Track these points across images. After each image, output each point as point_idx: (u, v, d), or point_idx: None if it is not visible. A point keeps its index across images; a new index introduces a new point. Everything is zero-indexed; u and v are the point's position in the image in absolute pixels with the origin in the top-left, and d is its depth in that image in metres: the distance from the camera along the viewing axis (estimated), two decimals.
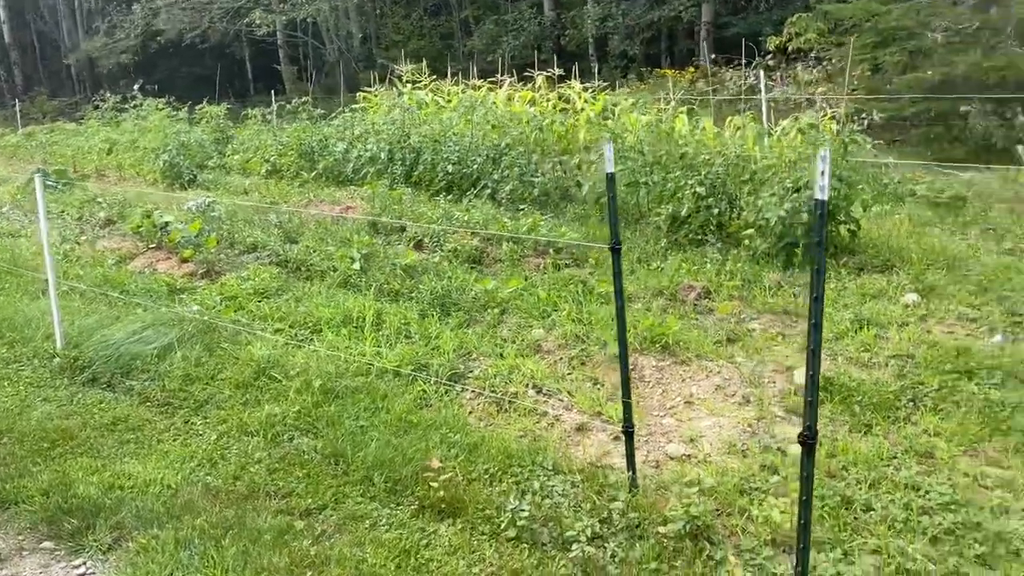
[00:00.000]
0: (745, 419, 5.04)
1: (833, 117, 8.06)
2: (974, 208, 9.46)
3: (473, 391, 5.42)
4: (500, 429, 4.98)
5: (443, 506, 4.08)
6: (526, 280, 7.31)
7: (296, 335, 6.36)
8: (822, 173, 2.63)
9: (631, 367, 5.85)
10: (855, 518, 3.93)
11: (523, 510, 3.85)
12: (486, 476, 4.36)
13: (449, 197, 10.81)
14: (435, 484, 4.12)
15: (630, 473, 4.13)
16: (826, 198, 2.67)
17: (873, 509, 4.00)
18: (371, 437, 4.72)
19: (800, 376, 5.50)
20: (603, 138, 10.15)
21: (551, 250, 8.11)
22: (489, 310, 6.78)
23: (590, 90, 14.21)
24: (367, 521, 4.04)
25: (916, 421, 4.89)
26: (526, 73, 15.31)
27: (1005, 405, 4.95)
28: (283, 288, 7.48)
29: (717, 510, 4.02)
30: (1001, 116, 11.13)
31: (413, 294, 7.20)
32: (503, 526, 3.87)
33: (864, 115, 7.66)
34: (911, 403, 5.08)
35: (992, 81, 10.86)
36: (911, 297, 6.69)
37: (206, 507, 4.18)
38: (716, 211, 8.03)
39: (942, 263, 7.38)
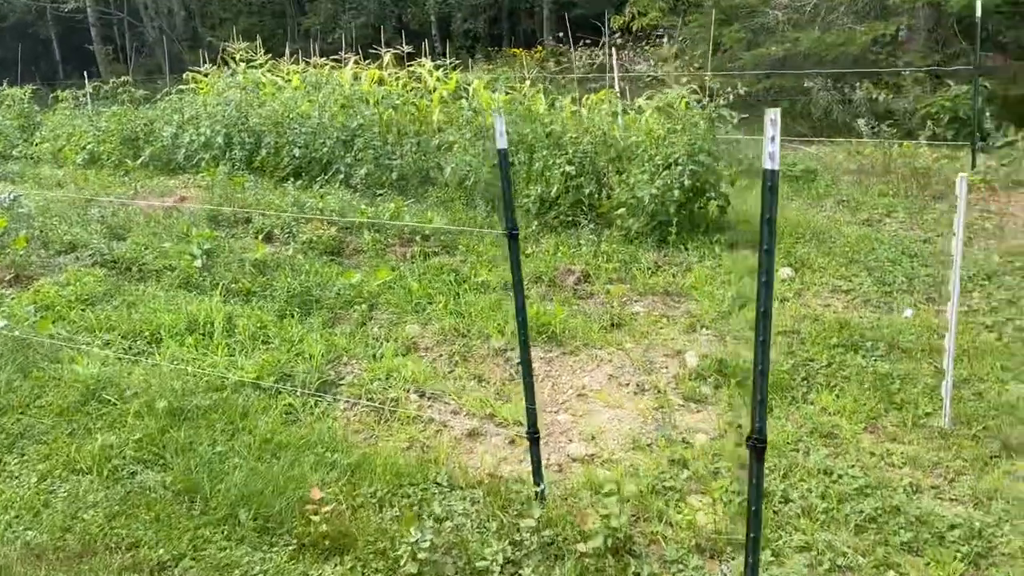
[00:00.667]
0: (644, 410, 4.74)
1: (696, 92, 7.94)
2: (825, 180, 9.72)
3: (347, 400, 4.82)
4: (383, 442, 4.42)
5: (327, 543, 3.48)
6: (394, 271, 6.73)
7: (131, 348, 5.49)
8: (772, 137, 2.27)
9: (517, 361, 5.44)
10: (776, 512, 3.70)
11: (424, 540, 3.33)
12: (374, 501, 3.80)
13: (298, 183, 9.97)
14: (316, 518, 3.52)
15: (539, 487, 3.70)
16: (777, 166, 2.32)
17: (791, 500, 3.78)
18: (232, 465, 4.04)
19: (692, 359, 5.28)
20: (463, 115, 9.67)
21: (418, 238, 7.55)
22: (356, 306, 6.16)
23: (441, 68, 13.63)
24: (236, 571, 3.39)
25: (812, 400, 4.76)
26: (372, 50, 14.52)
27: (894, 377, 4.92)
28: (111, 292, 6.51)
29: (634, 515, 3.67)
30: (840, 91, 11.61)
31: (267, 293, 6.45)
32: (402, 562, 3.33)
33: (729, 90, 7.60)
34: (805, 381, 4.97)
35: (831, 57, 11.30)
36: (786, 272, 6.67)
37: (27, 573, 3.38)
38: (587, 191, 7.74)
39: (809, 237, 7.45)
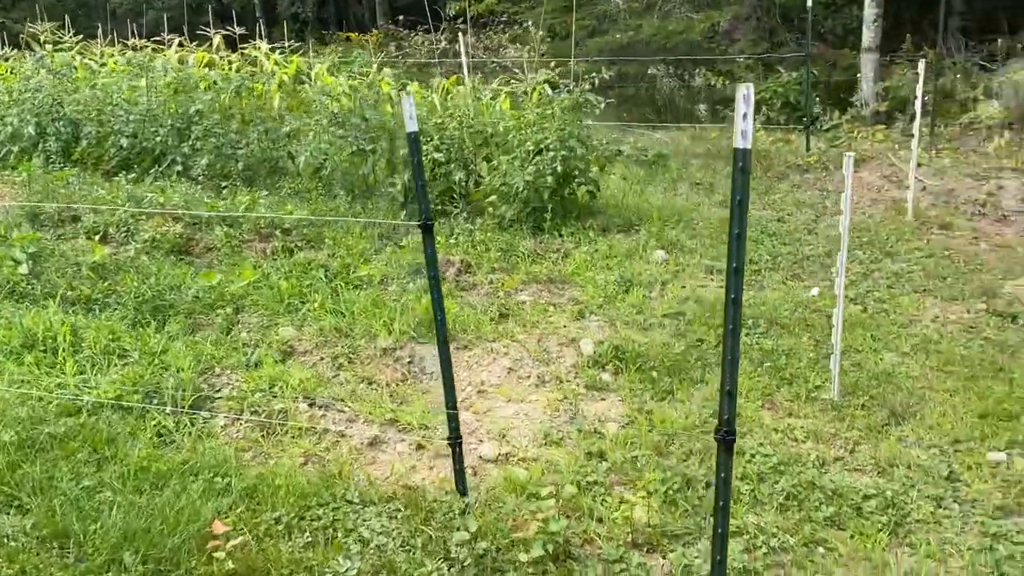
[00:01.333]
0: (549, 402, 4.61)
1: (555, 78, 7.88)
2: (676, 165, 10.03)
3: (228, 416, 4.35)
4: (276, 460, 4.01)
5: None
6: (257, 269, 6.20)
7: None
8: (745, 114, 2.16)
9: (408, 360, 5.16)
10: (700, 498, 3.67)
11: (351, 568, 3.01)
12: (280, 528, 3.42)
13: (129, 176, 9.03)
14: (221, 554, 3.10)
15: (466, 499, 3.46)
16: (749, 144, 2.21)
17: (711, 484, 3.77)
18: (106, 501, 3.50)
19: (587, 346, 5.21)
20: (317, 101, 9.11)
21: (277, 232, 7.01)
22: (219, 310, 5.61)
23: (279, 52, 12.88)
24: None
25: (709, 380, 4.81)
26: (200, 31, 13.47)
27: (779, 353, 5.08)
28: None
29: (565, 515, 3.52)
30: (680, 78, 12.03)
31: (112, 299, 5.75)
32: None
33: (593, 75, 7.60)
34: (699, 362, 5.02)
35: (671, 44, 11.69)
36: (659, 254, 6.77)
37: None
38: (457, 178, 7.51)
39: (674, 219, 7.61)
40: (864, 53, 11.03)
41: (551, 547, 3.15)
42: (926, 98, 7.77)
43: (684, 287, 6.13)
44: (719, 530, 2.49)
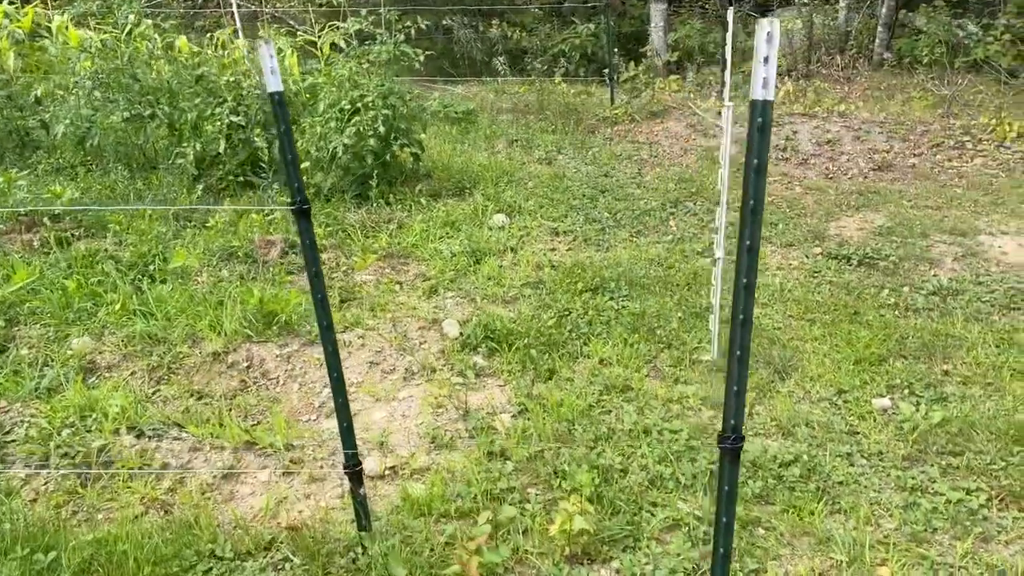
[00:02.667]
0: (424, 398, 4.09)
1: (371, 26, 7.12)
2: (485, 121, 9.63)
3: (30, 464, 3.40)
4: (106, 515, 3.17)
5: None
6: (28, 267, 5.02)
7: None
8: (767, 58, 1.77)
9: (246, 364, 4.40)
10: (622, 490, 3.35)
11: None
12: None
13: None
14: None
15: (364, 550, 2.88)
16: (772, 96, 1.82)
17: (628, 471, 3.48)
18: None
19: (451, 328, 4.72)
20: (75, 59, 7.62)
21: (46, 220, 5.77)
22: None
23: (8, 2, 10.79)
24: None
25: (588, 353, 4.52)
26: None
27: (648, 316, 4.89)
28: None
29: (492, 537, 3.06)
30: (476, 29, 11.59)
31: None
32: None
33: (408, 25, 6.94)
34: (572, 333, 4.71)
35: None
36: (499, 218, 6.37)
37: None
38: (263, 145, 6.59)
39: (504, 180, 7.23)
40: (653, 3, 11.21)
41: None
42: (724, 48, 7.93)
43: (536, 253, 5.79)
44: (720, 550, 2.16)
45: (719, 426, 3.76)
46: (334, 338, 2.76)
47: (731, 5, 10.85)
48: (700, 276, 5.39)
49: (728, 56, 7.51)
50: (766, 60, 1.77)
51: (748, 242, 1.90)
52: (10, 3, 10.82)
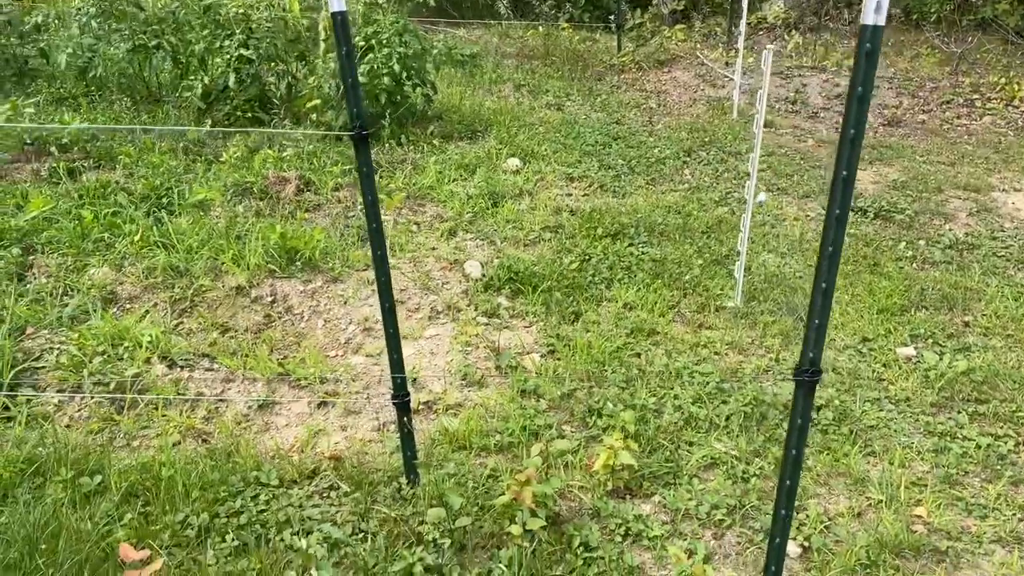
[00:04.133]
0: (453, 337, 4.08)
1: None
2: (490, 65, 9.47)
3: (64, 391, 3.36)
4: (147, 443, 3.16)
5: None
6: (41, 196, 4.91)
7: None
8: None
9: (270, 298, 4.36)
10: (658, 429, 3.38)
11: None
12: (191, 536, 2.66)
13: None
14: None
15: (412, 477, 2.89)
16: (883, 20, 1.79)
17: (662, 411, 3.51)
18: None
19: (474, 269, 4.71)
20: None
21: (53, 149, 5.63)
22: (1, 252, 4.37)
23: None
24: None
25: (612, 297, 4.53)
26: None
27: (669, 262, 4.90)
28: None
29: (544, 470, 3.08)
30: None
31: None
32: None
33: None
34: (594, 277, 4.71)
35: None
36: (513, 162, 6.30)
37: None
38: (273, 80, 6.44)
39: (514, 124, 7.14)
40: None
41: (543, 513, 2.70)
42: None
43: (551, 198, 5.74)
44: (787, 481, 2.18)
45: (747, 369, 3.82)
46: (388, 268, 2.72)
47: None
48: (721, 224, 5.39)
49: (745, 5, 7.41)
50: None
51: (845, 172, 1.89)
52: None
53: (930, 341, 4.14)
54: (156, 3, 6.97)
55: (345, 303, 4.36)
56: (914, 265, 5.01)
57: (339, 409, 3.49)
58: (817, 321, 2.02)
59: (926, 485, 3.09)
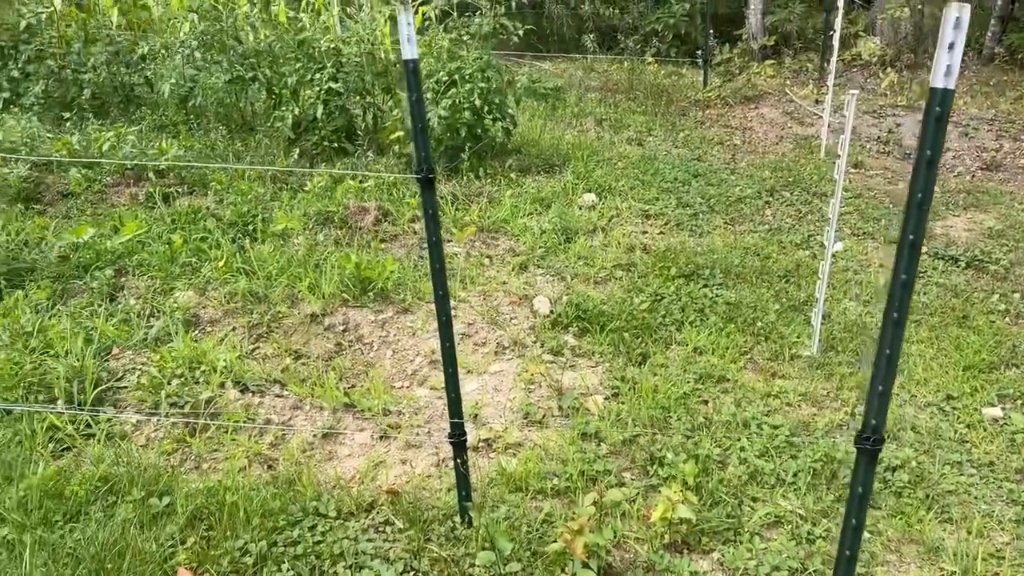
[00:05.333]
0: (517, 373, 4.08)
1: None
2: (573, 98, 9.53)
3: (141, 411, 3.51)
4: (215, 466, 3.26)
5: None
6: (138, 221, 5.18)
7: None
8: (952, 44, 1.67)
9: (342, 327, 4.46)
10: (721, 482, 3.29)
11: None
12: (250, 562, 2.72)
13: None
14: None
15: (464, 520, 2.89)
16: (953, 85, 1.72)
17: (727, 463, 3.41)
18: (5, 542, 2.66)
19: (542, 305, 4.70)
20: (183, 18, 7.80)
21: (150, 175, 5.94)
22: (95, 272, 4.62)
23: None
24: None
25: (682, 340, 4.45)
26: None
27: (744, 306, 4.79)
28: None
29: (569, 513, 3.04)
30: (568, 6, 11.46)
31: None
32: None
33: None
34: (665, 319, 4.64)
35: None
36: (589, 197, 6.30)
37: None
38: (359, 112, 6.64)
39: (592, 159, 7.15)
40: None
41: (595, 564, 2.66)
42: (830, 34, 7.64)
43: (626, 235, 5.71)
44: (846, 553, 2.09)
45: (820, 423, 3.68)
46: (449, 308, 2.76)
47: None
48: (800, 269, 5.25)
49: (835, 43, 7.26)
50: (951, 47, 1.67)
51: (912, 237, 1.82)
52: None
53: (1019, 402, 3.91)
54: (254, 37, 7.28)
55: (414, 334, 4.43)
56: (1007, 320, 4.76)
57: (400, 442, 3.53)
58: (881, 387, 1.94)
59: (1004, 558, 2.90)
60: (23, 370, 3.53)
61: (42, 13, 7.42)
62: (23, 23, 7.50)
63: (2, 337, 3.78)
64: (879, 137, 8.04)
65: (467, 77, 6.40)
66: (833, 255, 4.09)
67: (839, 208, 4.16)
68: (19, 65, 7.69)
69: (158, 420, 3.47)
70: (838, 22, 7.03)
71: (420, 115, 2.59)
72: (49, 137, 6.56)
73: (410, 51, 2.52)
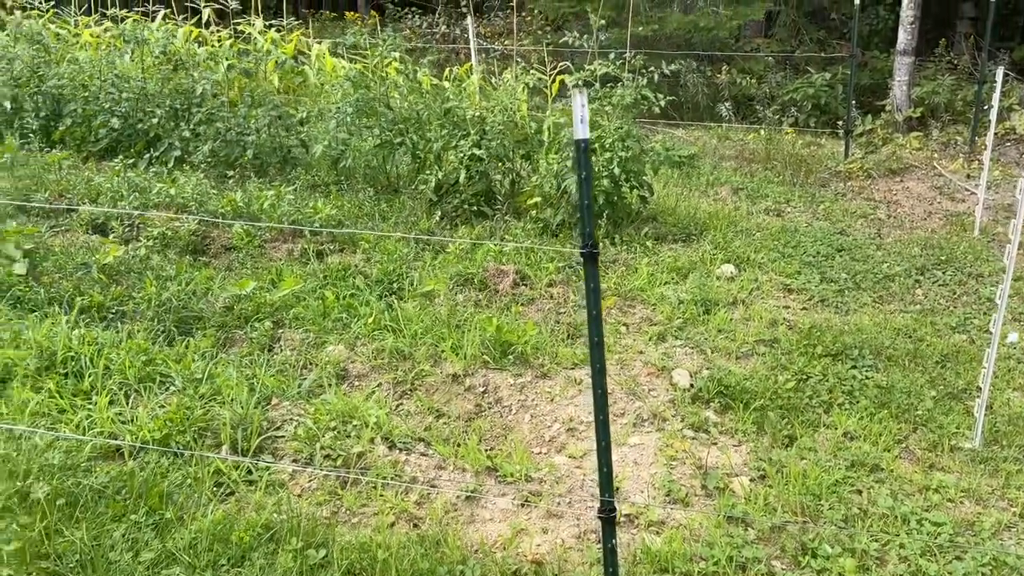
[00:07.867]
0: (658, 448, 4.02)
1: (619, 67, 7.20)
2: (707, 167, 9.48)
3: (297, 462, 3.67)
4: (364, 521, 3.36)
5: None
6: (296, 277, 5.48)
7: None
8: None
9: (482, 389, 4.53)
10: None
11: None
12: None
13: (124, 161, 8.18)
14: None
15: None
16: None
17: (886, 560, 3.23)
18: None
19: (682, 378, 4.64)
20: (342, 84, 8.33)
21: (305, 232, 6.29)
22: (255, 324, 4.91)
23: (274, 29, 12.01)
24: None
25: (830, 423, 4.28)
26: (187, 2, 12.50)
27: (898, 391, 4.56)
28: None
29: None
30: (704, 74, 11.51)
31: (127, 308, 5.00)
32: None
33: (651, 68, 7.00)
34: (811, 400, 4.48)
35: (695, 39, 11.14)
36: (728, 268, 6.22)
37: None
38: (499, 178, 6.85)
39: (729, 228, 7.06)
40: (899, 56, 10.60)
41: None
42: (985, 107, 7.32)
43: (767, 309, 5.58)
44: None
45: (986, 523, 3.44)
46: (605, 382, 2.77)
47: (991, 61, 10.11)
48: (959, 354, 4.97)
49: (993, 118, 6.97)
50: None
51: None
52: (276, 30, 12.05)
53: None
54: (403, 103, 7.67)
55: (552, 400, 4.45)
56: None
57: (541, 510, 3.53)
58: None
59: None
60: (193, 415, 3.76)
61: (214, 77, 8.08)
62: (198, 88, 8.18)
63: (177, 382, 4.05)
64: None
65: (607, 146, 6.50)
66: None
67: (995, 290, 3.93)
68: (191, 126, 8.37)
69: (312, 471, 3.61)
70: (996, 95, 6.74)
71: (588, 193, 2.65)
72: (214, 193, 7.08)
73: (582, 131, 2.59)
